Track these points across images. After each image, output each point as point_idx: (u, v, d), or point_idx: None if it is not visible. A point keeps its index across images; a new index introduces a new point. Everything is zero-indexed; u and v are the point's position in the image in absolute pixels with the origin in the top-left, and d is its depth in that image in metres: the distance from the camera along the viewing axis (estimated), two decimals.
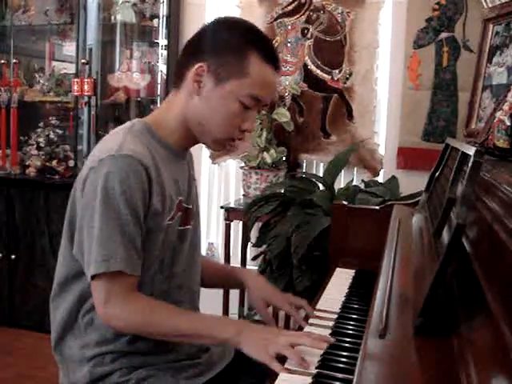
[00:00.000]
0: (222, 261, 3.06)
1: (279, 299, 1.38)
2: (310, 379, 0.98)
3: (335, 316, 1.29)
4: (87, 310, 1.22)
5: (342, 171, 2.69)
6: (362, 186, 2.55)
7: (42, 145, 3.33)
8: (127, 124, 1.26)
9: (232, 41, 1.21)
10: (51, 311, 1.30)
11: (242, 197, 2.99)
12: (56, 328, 1.28)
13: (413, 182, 2.29)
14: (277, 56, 1.26)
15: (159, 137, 1.25)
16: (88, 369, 1.21)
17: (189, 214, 1.33)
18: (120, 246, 1.11)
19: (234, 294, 2.84)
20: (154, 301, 1.19)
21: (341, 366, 1.02)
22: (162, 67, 3.17)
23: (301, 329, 1.24)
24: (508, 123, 1.23)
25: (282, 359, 1.04)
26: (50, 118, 3.43)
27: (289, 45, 3.00)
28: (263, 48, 1.21)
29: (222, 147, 1.29)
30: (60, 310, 1.27)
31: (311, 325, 1.25)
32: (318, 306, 1.36)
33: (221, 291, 2.78)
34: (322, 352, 1.05)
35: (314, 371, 1.00)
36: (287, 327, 1.34)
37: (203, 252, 3.32)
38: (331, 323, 1.24)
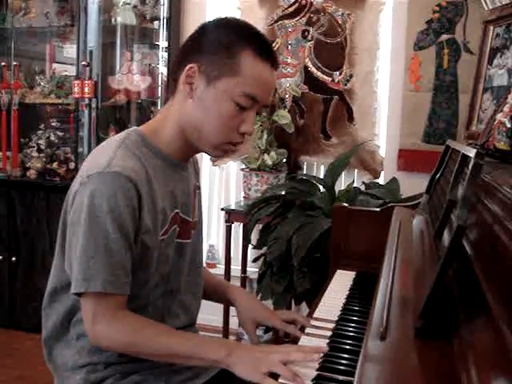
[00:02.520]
0: (222, 263, 3.07)
1: (270, 318, 1.34)
2: (310, 381, 0.98)
3: (336, 318, 1.29)
4: (78, 320, 1.20)
5: (343, 173, 2.70)
6: (363, 187, 2.55)
7: (42, 147, 3.34)
8: (122, 134, 1.22)
9: (223, 38, 1.15)
10: (43, 320, 1.28)
11: (242, 199, 2.99)
12: (48, 337, 1.27)
13: (413, 184, 2.28)
14: (272, 51, 1.19)
15: (156, 147, 1.21)
16: (82, 376, 1.20)
17: (187, 227, 1.30)
18: (104, 265, 1.08)
19: None
20: (143, 320, 1.15)
21: (341, 368, 1.02)
22: (162, 69, 3.18)
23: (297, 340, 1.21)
24: (508, 125, 1.23)
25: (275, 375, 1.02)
26: (51, 120, 3.44)
27: (289, 47, 3.00)
28: (256, 43, 1.15)
29: (222, 153, 1.23)
30: (51, 320, 1.25)
31: (312, 327, 1.25)
32: (319, 308, 1.36)
33: None
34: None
35: (315, 373, 1.00)
36: (288, 334, 1.31)
37: (204, 254, 3.31)
38: (332, 325, 1.24)
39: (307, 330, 1.24)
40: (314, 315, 1.33)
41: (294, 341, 1.20)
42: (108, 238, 1.08)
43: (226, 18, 1.24)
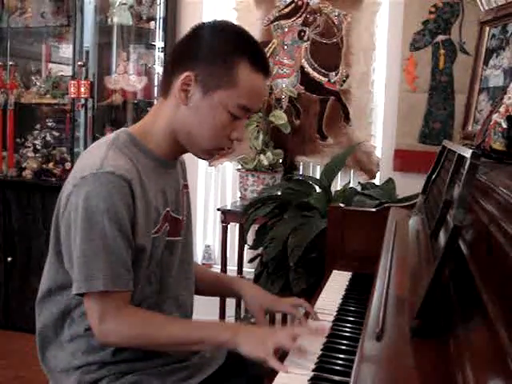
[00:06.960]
0: (218, 263, 3.06)
1: (276, 304, 1.38)
2: (307, 381, 0.98)
3: (332, 318, 1.29)
4: (72, 321, 1.21)
5: (339, 173, 2.70)
6: (359, 188, 2.55)
7: (38, 147, 3.33)
8: (112, 136, 1.23)
9: (220, 48, 1.17)
10: (36, 320, 1.28)
11: (238, 199, 2.99)
12: (41, 339, 1.27)
13: (409, 185, 2.29)
14: (267, 63, 1.22)
15: (145, 148, 1.22)
16: (76, 377, 1.20)
17: (178, 225, 1.31)
18: (104, 264, 1.10)
19: None
20: (148, 312, 1.19)
21: (338, 368, 1.02)
22: (158, 69, 3.17)
23: None
24: (504, 126, 1.23)
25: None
26: (47, 121, 3.43)
27: (285, 47, 3.00)
28: (253, 56, 1.18)
29: (210, 156, 1.27)
30: (44, 320, 1.26)
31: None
32: (315, 309, 1.36)
33: None
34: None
35: (311, 373, 1.00)
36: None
37: (200, 255, 3.32)
38: (328, 326, 1.24)
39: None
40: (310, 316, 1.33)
41: None
42: (106, 237, 1.09)
43: (221, 22, 1.26)
